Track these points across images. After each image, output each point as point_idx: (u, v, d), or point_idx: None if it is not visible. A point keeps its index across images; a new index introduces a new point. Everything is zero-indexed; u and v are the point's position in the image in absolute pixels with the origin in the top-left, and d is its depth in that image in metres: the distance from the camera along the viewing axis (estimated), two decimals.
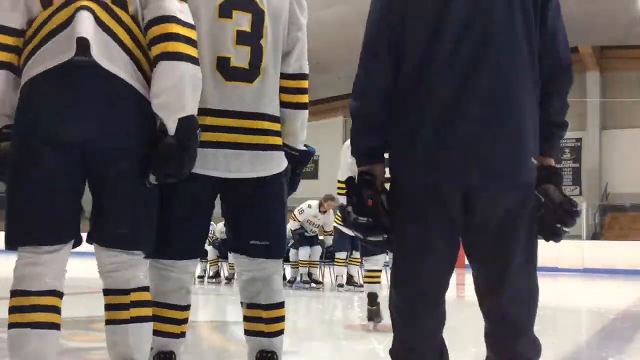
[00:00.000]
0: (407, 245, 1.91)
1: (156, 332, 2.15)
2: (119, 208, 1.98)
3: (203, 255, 8.71)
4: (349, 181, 1.96)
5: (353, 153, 1.99)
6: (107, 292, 2.02)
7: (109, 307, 2.00)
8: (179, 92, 1.95)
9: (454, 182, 1.83)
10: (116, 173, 1.95)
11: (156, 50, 1.95)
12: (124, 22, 1.95)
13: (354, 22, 15.69)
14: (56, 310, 1.91)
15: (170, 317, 2.19)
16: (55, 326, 1.90)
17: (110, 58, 1.89)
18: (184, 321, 2.24)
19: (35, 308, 1.86)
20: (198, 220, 2.24)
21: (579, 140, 20.59)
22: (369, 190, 1.90)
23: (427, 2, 1.85)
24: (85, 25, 1.86)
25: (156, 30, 1.95)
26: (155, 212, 2.09)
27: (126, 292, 1.99)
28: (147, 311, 2.02)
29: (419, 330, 1.90)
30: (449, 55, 1.81)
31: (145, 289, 2.04)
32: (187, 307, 2.25)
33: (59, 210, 1.92)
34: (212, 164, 2.14)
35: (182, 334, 2.24)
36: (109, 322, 1.99)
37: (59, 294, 1.92)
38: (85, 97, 1.88)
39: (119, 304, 1.98)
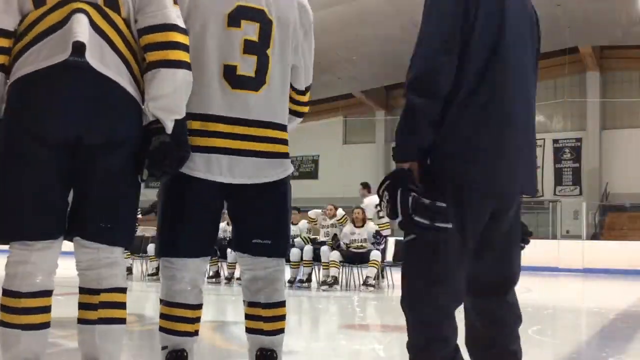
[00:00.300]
0: (451, 244, 1.99)
1: (170, 331, 2.20)
2: (104, 202, 2.00)
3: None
4: (399, 173, 1.95)
5: (405, 147, 1.98)
6: (80, 290, 2.05)
7: (80, 306, 2.03)
8: (177, 97, 2.03)
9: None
10: (104, 168, 1.98)
11: (155, 56, 2.00)
12: (117, 25, 2.00)
13: (354, 22, 15.65)
14: (47, 309, 1.95)
15: (183, 316, 2.21)
16: (46, 325, 1.95)
17: (102, 60, 1.94)
18: (197, 319, 2.27)
19: (27, 311, 1.89)
20: (206, 219, 2.27)
21: (579, 140, 20.59)
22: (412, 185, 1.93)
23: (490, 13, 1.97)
24: (82, 29, 1.89)
25: (157, 37, 2.00)
26: (136, 210, 2.13)
27: (96, 292, 2.01)
28: (119, 313, 2.03)
29: (454, 323, 2.02)
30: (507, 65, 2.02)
31: (119, 290, 2.04)
32: (199, 307, 2.28)
33: (49, 206, 1.95)
34: (217, 169, 2.18)
35: (196, 332, 2.27)
36: (79, 320, 2.02)
37: (49, 293, 1.96)
38: (75, 96, 1.92)
39: (88, 304, 2.01)
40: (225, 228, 9.77)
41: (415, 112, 1.94)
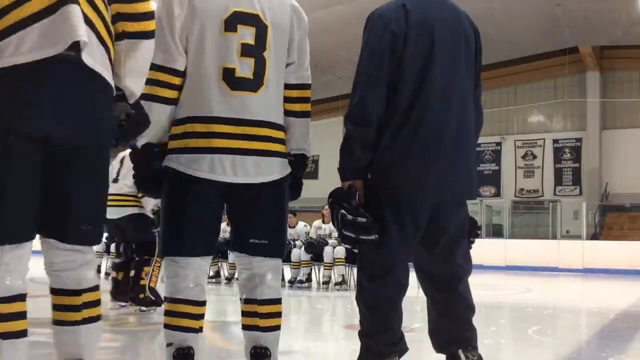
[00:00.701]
0: (390, 245, 2.34)
1: (175, 328, 2.24)
2: (87, 204, 1.93)
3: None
4: (336, 191, 2.40)
5: (344, 169, 2.40)
6: (55, 291, 1.96)
7: (58, 308, 1.94)
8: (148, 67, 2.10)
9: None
10: (86, 169, 1.91)
11: (134, 27, 2.00)
12: (102, 13, 1.91)
13: (354, 22, 15.58)
14: (24, 316, 1.84)
15: (187, 313, 2.26)
16: (25, 333, 1.83)
17: (91, 53, 1.84)
18: (201, 316, 2.31)
19: (5, 317, 1.78)
20: (209, 219, 2.32)
21: (579, 140, 20.59)
22: (355, 200, 2.34)
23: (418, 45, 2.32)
24: (80, 24, 1.78)
25: (137, 7, 1.99)
26: (106, 206, 2.08)
27: (78, 292, 1.94)
28: (98, 311, 2.00)
29: (399, 313, 2.42)
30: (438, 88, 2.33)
31: (96, 288, 2.01)
32: (203, 303, 2.32)
33: (25, 206, 1.83)
34: (220, 169, 2.23)
35: (200, 329, 2.30)
36: (58, 322, 1.94)
37: (24, 297, 1.85)
38: (62, 93, 1.81)
39: (71, 305, 1.93)
40: (225, 229, 9.72)
41: (350, 138, 2.37)
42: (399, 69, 2.31)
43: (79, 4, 1.81)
